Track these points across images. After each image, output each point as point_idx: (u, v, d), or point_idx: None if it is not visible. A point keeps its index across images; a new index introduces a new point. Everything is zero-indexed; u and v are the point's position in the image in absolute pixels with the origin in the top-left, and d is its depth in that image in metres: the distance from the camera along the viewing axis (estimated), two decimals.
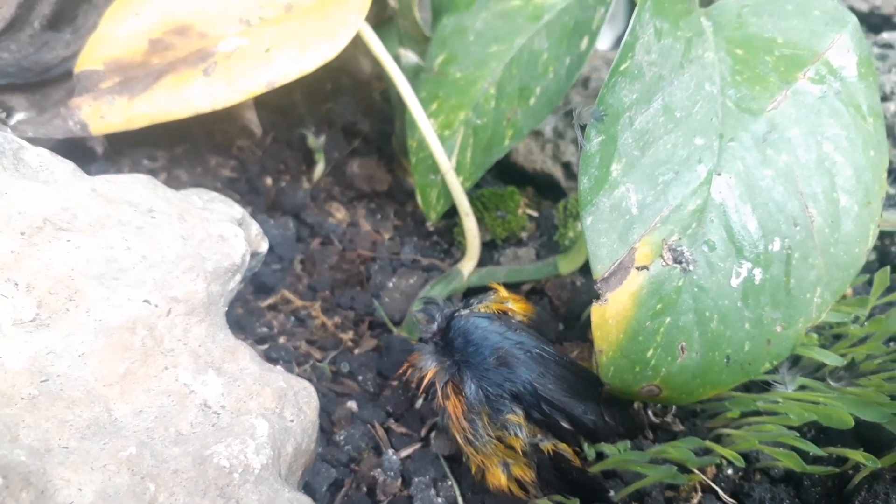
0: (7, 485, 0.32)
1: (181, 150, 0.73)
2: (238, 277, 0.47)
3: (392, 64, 0.60)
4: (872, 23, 0.86)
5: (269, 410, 0.42)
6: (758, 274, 0.43)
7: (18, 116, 0.64)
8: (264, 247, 0.52)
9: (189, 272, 0.44)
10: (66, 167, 0.46)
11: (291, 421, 0.43)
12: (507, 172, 0.74)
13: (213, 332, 0.44)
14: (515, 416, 0.46)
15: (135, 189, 0.46)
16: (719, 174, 0.43)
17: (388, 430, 0.53)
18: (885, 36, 0.79)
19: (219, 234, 0.46)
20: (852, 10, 0.82)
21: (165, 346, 0.42)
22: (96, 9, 0.63)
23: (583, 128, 0.44)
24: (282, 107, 0.79)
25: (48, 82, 0.66)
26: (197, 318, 0.43)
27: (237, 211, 0.50)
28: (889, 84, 0.72)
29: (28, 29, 0.63)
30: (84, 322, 0.41)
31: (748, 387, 0.51)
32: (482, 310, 0.50)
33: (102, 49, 0.57)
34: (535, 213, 0.71)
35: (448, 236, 0.71)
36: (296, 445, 0.42)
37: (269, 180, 0.74)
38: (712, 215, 0.43)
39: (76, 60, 0.62)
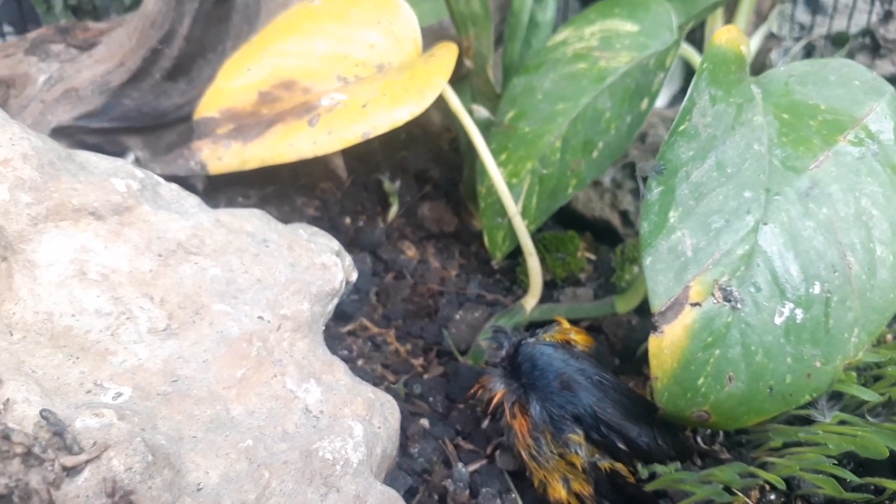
0: (154, 461, 0.39)
1: (270, 190, 0.81)
2: (336, 301, 0.53)
3: (467, 118, 0.67)
4: None
5: (360, 417, 0.48)
6: (799, 314, 0.47)
7: (133, 156, 0.73)
8: (354, 276, 0.58)
9: (297, 294, 0.50)
10: (194, 200, 0.54)
11: (379, 428, 0.49)
12: (567, 218, 0.80)
13: (314, 347, 0.51)
14: (576, 436, 0.50)
15: (251, 221, 0.53)
16: (766, 224, 0.48)
17: (457, 447, 0.59)
18: None
19: (321, 262, 0.53)
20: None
21: (275, 356, 0.48)
22: (210, 64, 0.72)
23: (644, 179, 0.50)
24: (361, 154, 0.86)
25: (162, 126, 0.74)
26: (301, 334, 0.50)
27: (335, 244, 0.56)
28: None
29: (149, 79, 0.72)
30: (208, 333, 0.48)
31: (790, 420, 0.55)
32: (547, 339, 0.56)
33: (218, 99, 0.65)
34: (593, 257, 0.77)
35: (510, 275, 0.76)
36: (382, 449, 0.48)
37: (348, 220, 0.81)
38: (759, 260, 0.48)
39: (189, 108, 0.70)
